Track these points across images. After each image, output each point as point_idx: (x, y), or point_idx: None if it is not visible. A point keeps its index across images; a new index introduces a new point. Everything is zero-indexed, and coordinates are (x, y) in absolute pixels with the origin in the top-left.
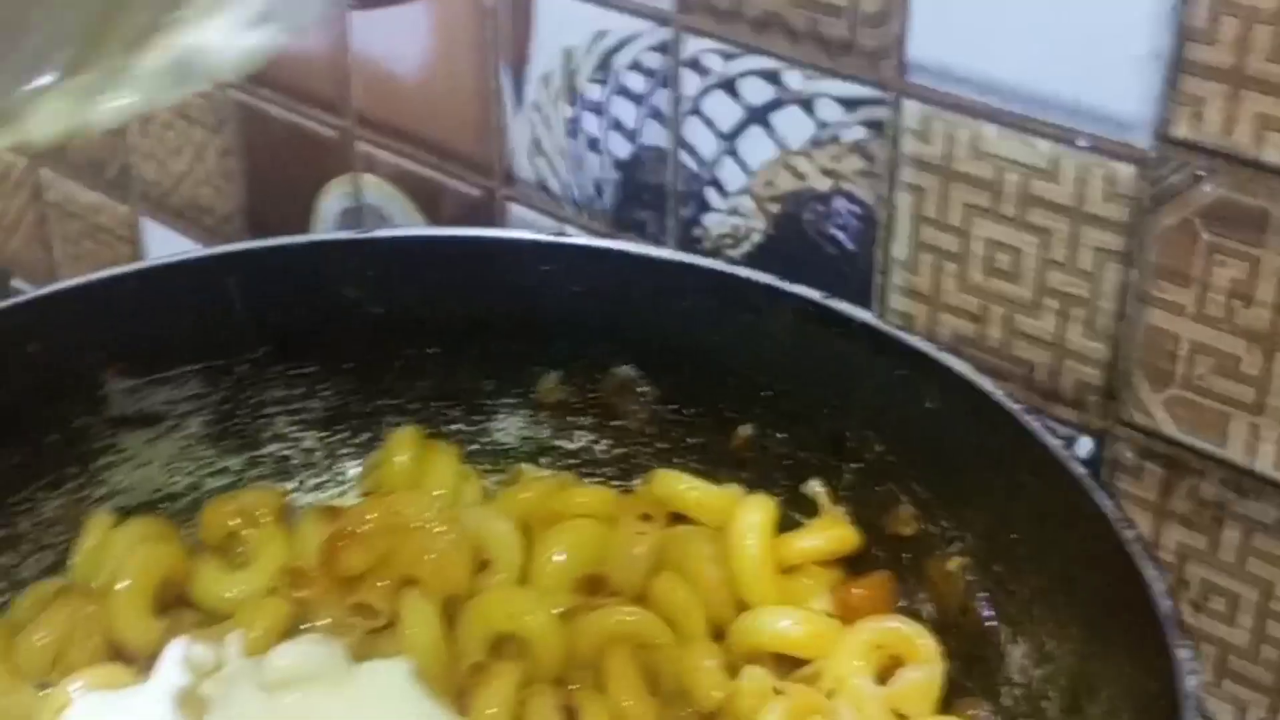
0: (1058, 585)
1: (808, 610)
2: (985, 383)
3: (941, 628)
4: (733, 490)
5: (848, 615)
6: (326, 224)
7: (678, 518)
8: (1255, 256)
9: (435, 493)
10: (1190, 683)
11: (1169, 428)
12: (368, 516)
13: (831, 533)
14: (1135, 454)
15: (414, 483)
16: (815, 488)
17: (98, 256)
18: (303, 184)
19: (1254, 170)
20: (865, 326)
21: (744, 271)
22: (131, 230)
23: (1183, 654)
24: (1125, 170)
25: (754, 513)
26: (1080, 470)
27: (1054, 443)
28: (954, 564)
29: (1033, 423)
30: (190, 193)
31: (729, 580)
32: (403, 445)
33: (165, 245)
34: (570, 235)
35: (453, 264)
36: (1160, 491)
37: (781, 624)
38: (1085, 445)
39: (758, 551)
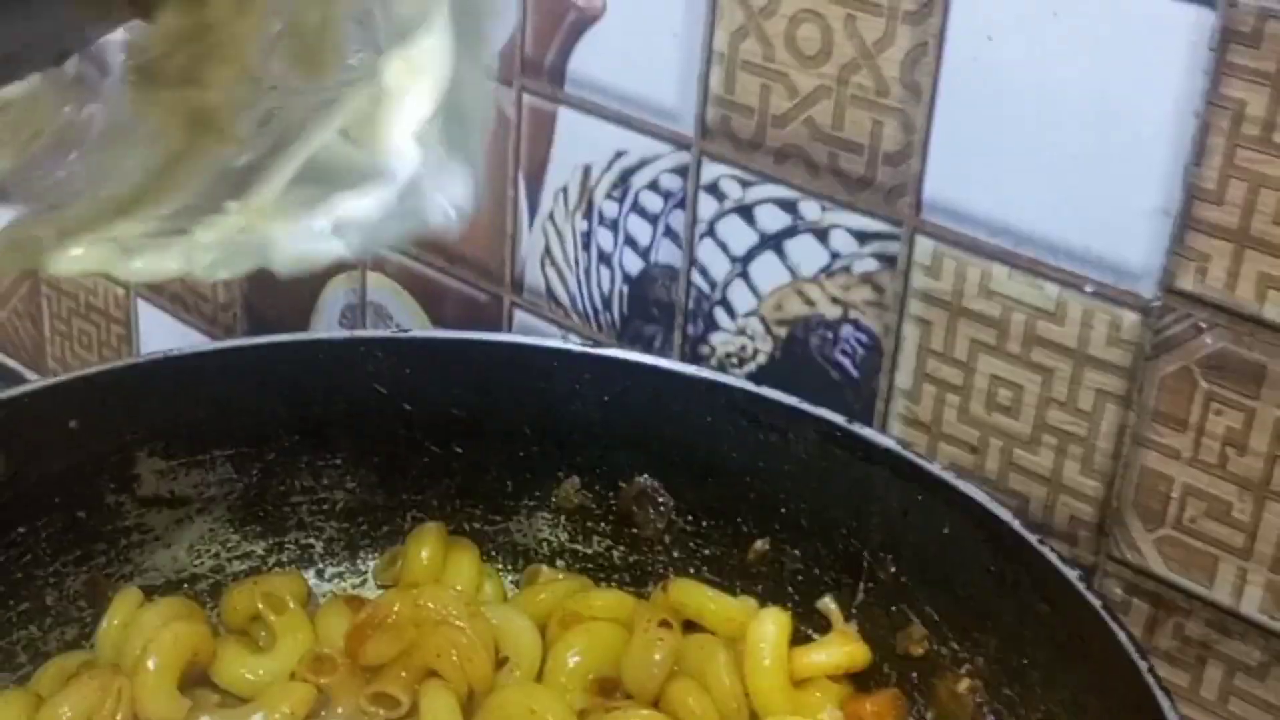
0: (1069, 712)
1: None
2: (1002, 511)
3: None
4: (748, 602)
5: None
6: (328, 319)
7: (689, 625)
8: (1251, 408)
9: (457, 588)
10: None
11: (1158, 566)
12: (394, 608)
13: (843, 648)
14: (1124, 590)
15: (435, 578)
16: (829, 604)
17: (89, 336)
18: (305, 277)
19: (1254, 325)
20: (887, 451)
21: (770, 392)
22: (125, 313)
23: None
24: (1129, 317)
25: (770, 624)
26: (1096, 601)
27: (1070, 572)
28: (964, 685)
29: (1048, 552)
30: (189, 279)
31: (743, 690)
32: (426, 540)
33: (159, 329)
34: (603, 347)
35: (484, 368)
36: (1146, 628)
37: None
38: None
39: (772, 663)
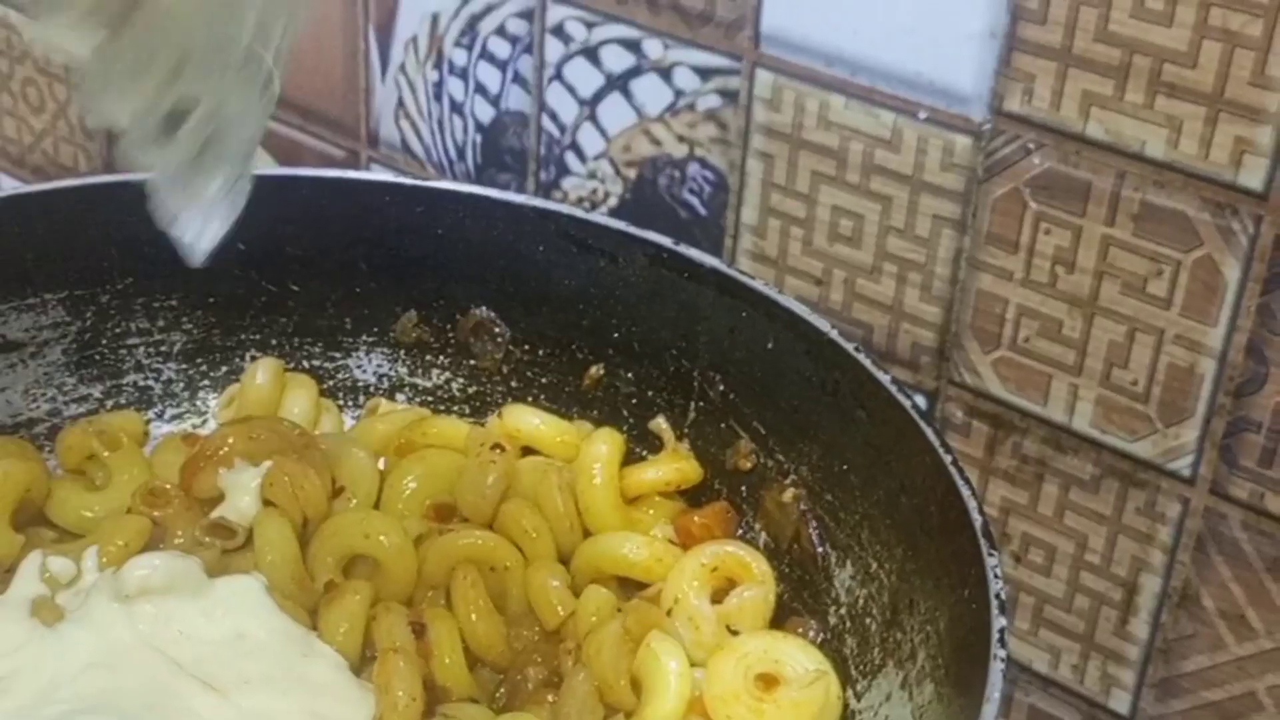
0: (883, 510)
1: (649, 537)
2: (821, 322)
3: (775, 554)
4: (583, 425)
5: (687, 543)
6: None
7: (527, 452)
8: (1078, 225)
9: (293, 420)
10: (997, 585)
11: (996, 387)
12: (228, 440)
13: (674, 465)
14: (964, 412)
15: (271, 411)
16: (661, 425)
17: None
18: None
19: (1079, 144)
20: (713, 271)
21: (599, 218)
22: None
23: (991, 561)
24: (961, 141)
25: (601, 444)
26: (906, 402)
27: (883, 377)
28: (788, 495)
29: (863, 359)
30: (51, 150)
31: (575, 508)
32: (261, 374)
33: None
34: (433, 180)
35: (318, 205)
36: (986, 449)
37: (624, 548)
38: (919, 404)
39: (603, 481)
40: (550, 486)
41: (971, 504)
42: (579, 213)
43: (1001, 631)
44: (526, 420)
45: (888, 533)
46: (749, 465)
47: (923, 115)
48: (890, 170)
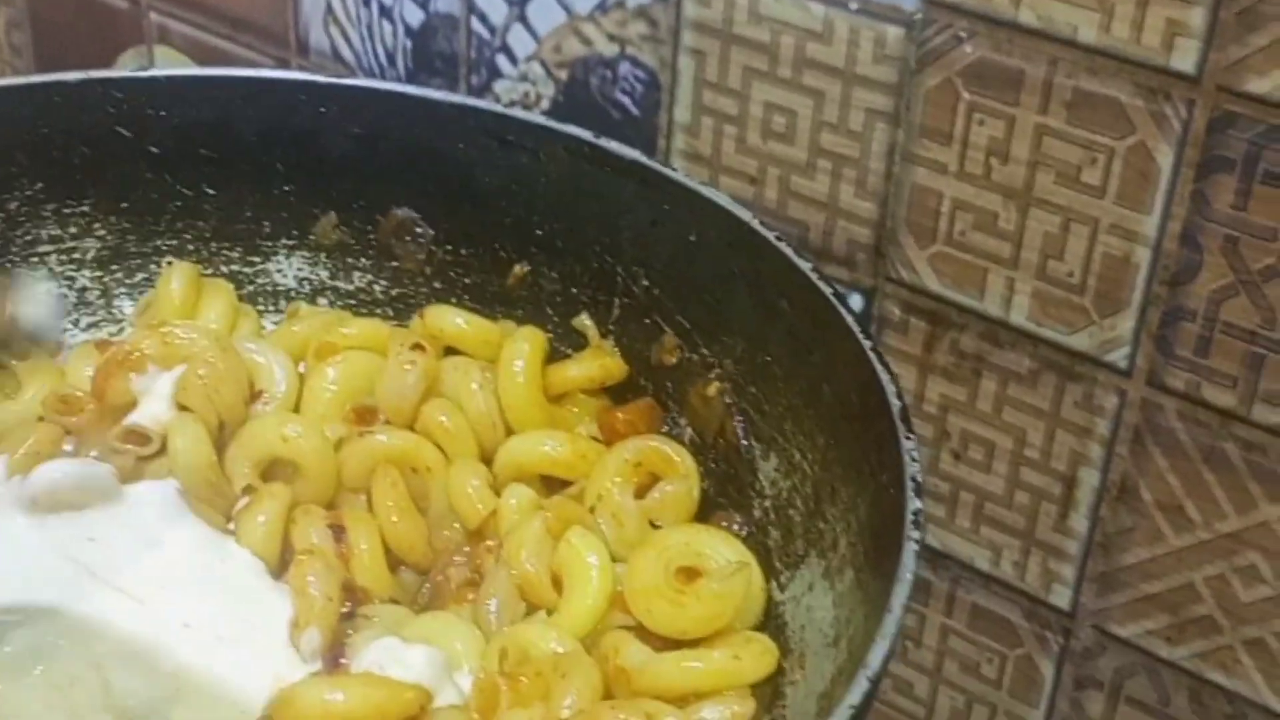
0: (806, 401)
1: (572, 434)
2: (742, 212)
3: (700, 449)
4: (505, 324)
5: (611, 439)
6: None
7: (450, 352)
8: (1011, 115)
9: (209, 324)
10: (913, 468)
11: (932, 283)
12: (141, 345)
13: (598, 362)
14: (901, 309)
15: (188, 316)
16: (585, 322)
17: None
18: (94, 56)
19: (1011, 30)
20: (634, 163)
21: (518, 113)
22: None
23: (908, 444)
24: (894, 32)
25: (523, 342)
26: (827, 289)
27: (803, 264)
28: (713, 389)
29: (785, 247)
30: None
31: (498, 406)
32: (176, 278)
33: None
34: (348, 78)
35: (231, 105)
36: (924, 346)
37: (546, 446)
38: (855, 302)
39: (525, 379)
40: (471, 385)
41: (890, 389)
42: (498, 108)
43: (916, 514)
44: (449, 320)
45: (810, 423)
46: (673, 360)
47: (854, 6)
48: (822, 63)
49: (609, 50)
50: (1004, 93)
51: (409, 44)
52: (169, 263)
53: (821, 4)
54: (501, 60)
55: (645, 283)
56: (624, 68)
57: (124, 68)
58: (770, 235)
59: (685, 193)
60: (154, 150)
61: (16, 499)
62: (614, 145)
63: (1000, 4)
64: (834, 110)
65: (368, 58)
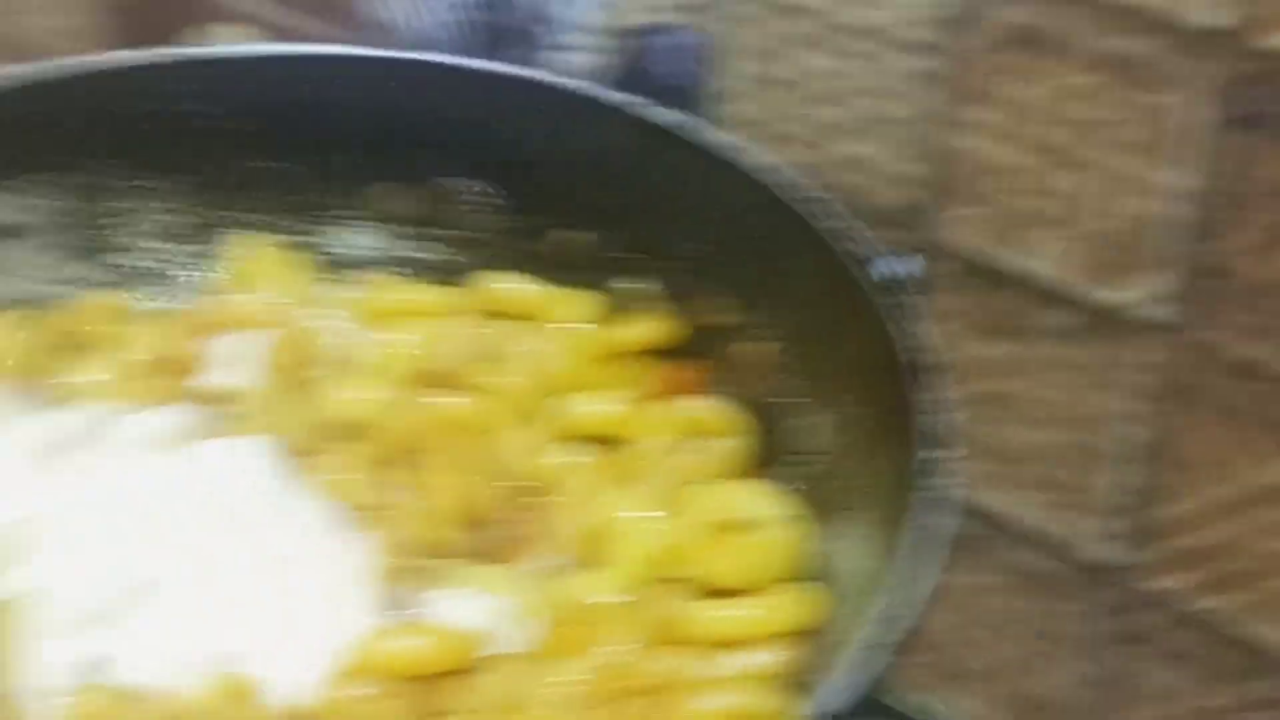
0: (850, 359)
1: (624, 394)
2: (788, 175)
3: (746, 407)
4: (560, 289)
5: (663, 399)
6: None
7: (508, 317)
8: (1053, 75)
9: (273, 292)
10: (950, 423)
11: (977, 242)
12: (215, 312)
13: (646, 324)
14: (948, 269)
15: (252, 285)
16: (633, 284)
17: None
18: (158, 33)
19: None
20: (677, 128)
21: (571, 82)
22: None
23: (946, 400)
24: None
25: (573, 306)
26: (866, 252)
27: (840, 225)
28: (759, 348)
29: (829, 208)
30: (43, 42)
31: (553, 370)
32: (241, 250)
33: None
34: (404, 52)
35: (292, 78)
36: (972, 305)
37: (600, 406)
38: (908, 264)
39: (580, 341)
40: (528, 349)
41: (925, 345)
42: (548, 77)
43: (953, 469)
44: (507, 286)
45: (854, 380)
46: (720, 321)
47: None
48: (864, 28)
49: (659, 19)
50: (1045, 53)
51: (459, 17)
52: (236, 234)
53: None
54: (555, 31)
55: (696, 246)
56: (675, 37)
57: (196, 45)
58: (816, 196)
59: (732, 158)
60: (216, 124)
61: (104, 441)
62: (660, 111)
63: None
64: (880, 74)
65: (429, 30)
